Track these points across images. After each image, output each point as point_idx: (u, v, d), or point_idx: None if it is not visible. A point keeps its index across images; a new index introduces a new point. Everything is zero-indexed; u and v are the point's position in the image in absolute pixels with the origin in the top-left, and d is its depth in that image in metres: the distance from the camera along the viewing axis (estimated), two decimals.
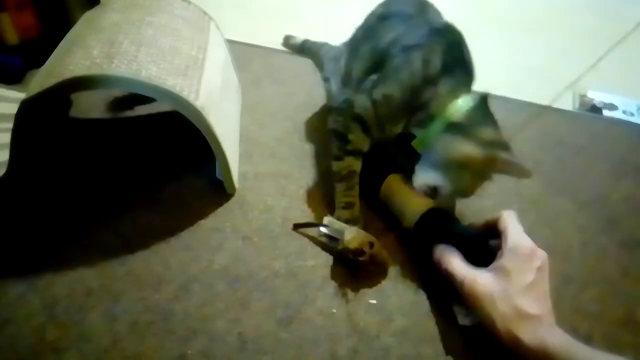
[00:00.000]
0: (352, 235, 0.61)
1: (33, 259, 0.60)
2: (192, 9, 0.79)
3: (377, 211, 0.69)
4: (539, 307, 0.51)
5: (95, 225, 0.64)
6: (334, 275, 0.61)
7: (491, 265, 0.55)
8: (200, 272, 0.60)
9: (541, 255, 0.55)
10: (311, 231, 0.66)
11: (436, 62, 0.62)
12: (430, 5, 0.75)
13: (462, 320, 0.58)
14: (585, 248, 0.67)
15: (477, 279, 0.54)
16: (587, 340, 0.57)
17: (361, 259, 0.59)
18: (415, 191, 0.64)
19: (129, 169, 0.73)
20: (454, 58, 0.63)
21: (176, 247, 0.63)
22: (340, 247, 0.62)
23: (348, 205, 0.66)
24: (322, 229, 0.64)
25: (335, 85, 0.80)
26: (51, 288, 0.57)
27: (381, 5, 0.77)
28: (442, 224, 0.62)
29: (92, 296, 0.56)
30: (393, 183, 0.67)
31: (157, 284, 0.58)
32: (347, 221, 0.64)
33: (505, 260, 0.54)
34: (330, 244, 0.64)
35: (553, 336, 0.49)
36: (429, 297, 0.60)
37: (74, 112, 0.82)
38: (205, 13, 0.80)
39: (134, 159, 0.75)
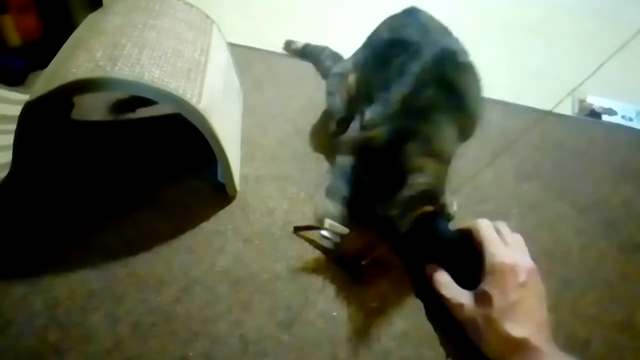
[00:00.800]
0: (352, 239, 0.61)
1: (35, 260, 0.60)
2: (195, 12, 0.80)
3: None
4: (525, 327, 0.50)
5: (97, 227, 0.64)
6: (335, 278, 0.61)
7: (475, 290, 0.55)
8: (201, 274, 0.60)
9: (524, 268, 0.53)
10: (312, 234, 0.66)
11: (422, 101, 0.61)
12: (436, 26, 0.73)
13: None
14: (585, 252, 0.68)
15: (463, 307, 0.54)
16: (586, 344, 0.57)
17: (362, 262, 0.60)
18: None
19: (131, 171, 0.73)
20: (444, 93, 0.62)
21: (178, 249, 0.63)
22: (341, 250, 0.62)
23: None
24: (323, 232, 0.65)
25: (340, 100, 0.80)
26: (53, 289, 0.57)
27: (388, 28, 0.75)
28: (433, 230, 0.61)
29: (94, 298, 0.56)
30: None
31: (159, 286, 0.58)
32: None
33: (485, 284, 0.53)
34: (331, 247, 0.64)
35: None
36: (423, 301, 0.60)
37: (76, 114, 0.82)
38: (207, 16, 0.81)
39: (136, 161, 0.75)
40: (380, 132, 0.61)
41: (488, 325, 0.51)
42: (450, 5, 1.34)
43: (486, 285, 0.53)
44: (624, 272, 0.66)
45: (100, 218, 0.65)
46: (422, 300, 0.60)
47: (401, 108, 0.63)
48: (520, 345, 0.49)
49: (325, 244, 0.65)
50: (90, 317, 0.54)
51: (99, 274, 0.59)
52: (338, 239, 0.63)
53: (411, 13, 0.74)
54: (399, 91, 0.64)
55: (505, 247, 0.56)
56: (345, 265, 0.62)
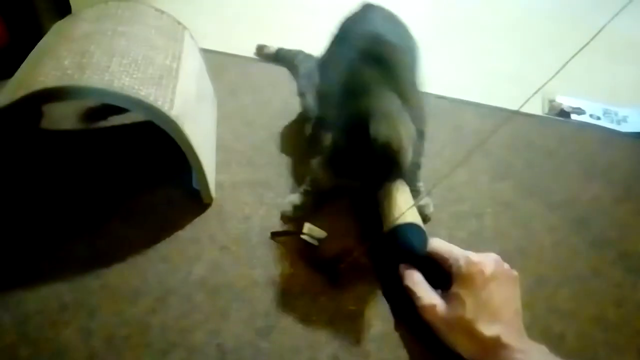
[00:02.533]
0: (330, 243, 0.61)
1: (3, 274, 0.58)
2: (166, 18, 0.79)
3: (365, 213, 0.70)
4: (495, 325, 0.50)
5: (69, 238, 0.63)
6: (313, 283, 0.61)
7: (446, 293, 0.55)
8: (177, 283, 0.60)
9: (490, 260, 0.54)
10: (290, 239, 0.66)
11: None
12: (385, 17, 0.74)
13: None
14: (557, 248, 0.69)
15: (437, 308, 0.54)
16: (561, 338, 0.58)
17: (340, 266, 0.60)
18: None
19: (103, 180, 0.72)
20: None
21: (153, 259, 0.62)
22: (318, 255, 0.62)
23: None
24: (302, 237, 0.64)
25: (312, 100, 0.81)
26: (22, 305, 0.55)
27: (341, 25, 0.76)
28: (410, 241, 0.60)
29: (66, 311, 0.55)
30: (394, 187, 0.66)
31: (134, 297, 0.57)
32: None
33: (455, 286, 0.54)
34: (309, 252, 0.64)
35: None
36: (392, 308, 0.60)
37: (46, 124, 0.81)
38: (179, 23, 0.80)
39: (108, 170, 0.74)
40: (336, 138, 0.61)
41: (461, 327, 0.51)
42: (421, 10, 1.36)
43: (457, 288, 0.54)
44: (596, 268, 0.67)
45: (71, 229, 0.64)
46: (390, 304, 0.60)
47: (344, 93, 0.63)
48: (492, 344, 0.50)
49: (303, 248, 0.64)
50: (63, 331, 0.53)
51: (70, 286, 0.57)
52: (316, 243, 0.63)
53: (364, 8, 0.75)
54: (337, 79, 0.65)
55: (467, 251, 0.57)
56: (323, 269, 0.62)
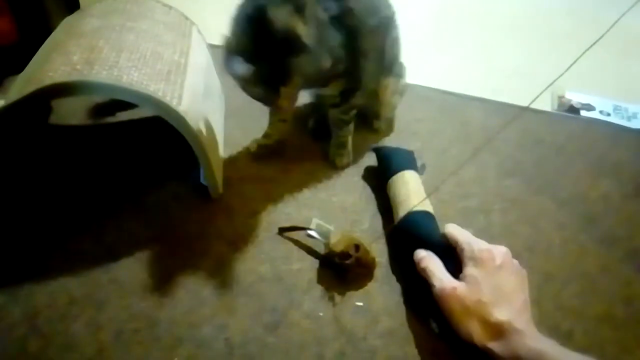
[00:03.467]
0: (337, 239, 0.61)
1: (13, 268, 0.58)
2: (174, 14, 0.79)
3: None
4: (508, 309, 0.51)
5: (78, 233, 0.63)
6: (320, 279, 0.61)
7: (461, 275, 0.56)
8: (185, 278, 0.60)
9: (499, 252, 0.56)
10: (297, 235, 0.66)
11: None
12: None
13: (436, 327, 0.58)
14: (566, 245, 0.69)
15: (457, 290, 0.54)
16: (569, 336, 0.58)
17: (347, 262, 0.60)
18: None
19: (112, 176, 0.72)
20: None
21: (160, 254, 0.62)
22: (326, 250, 0.62)
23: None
24: (309, 232, 0.64)
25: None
26: (32, 298, 0.56)
27: None
28: (423, 229, 0.62)
29: (75, 305, 0.55)
30: (401, 179, 0.69)
31: (142, 292, 0.58)
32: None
33: (470, 268, 0.55)
34: (316, 248, 0.64)
35: (524, 346, 0.49)
36: (406, 301, 0.60)
37: (55, 119, 0.81)
38: (186, 18, 0.80)
39: (116, 165, 0.74)
40: None
41: (477, 310, 0.52)
42: (429, 8, 1.35)
43: (472, 270, 0.54)
44: (604, 265, 0.67)
45: (80, 224, 0.64)
46: (407, 299, 0.60)
47: None
48: (503, 328, 0.50)
49: (311, 244, 0.65)
50: (72, 325, 0.54)
51: (79, 281, 0.58)
52: (324, 239, 0.63)
53: None
54: None
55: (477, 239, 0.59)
56: (330, 266, 0.62)
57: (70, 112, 0.82)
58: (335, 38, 0.65)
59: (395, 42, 0.77)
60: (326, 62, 0.65)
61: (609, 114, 0.97)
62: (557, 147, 0.86)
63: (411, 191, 0.67)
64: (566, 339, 0.58)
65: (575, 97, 1.00)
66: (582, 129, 0.91)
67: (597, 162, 0.83)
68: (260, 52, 0.59)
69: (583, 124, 0.93)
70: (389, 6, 0.74)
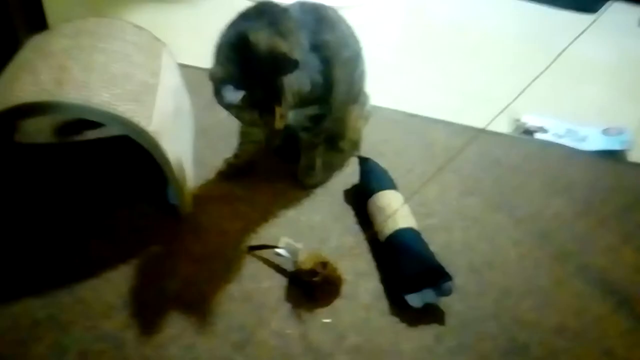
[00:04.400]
0: (305, 257, 0.63)
1: None
2: (145, 35, 0.80)
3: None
4: None
5: (41, 253, 0.62)
6: (288, 297, 0.62)
7: None
8: (152, 298, 0.60)
9: None
10: (266, 253, 0.67)
11: None
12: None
13: (412, 302, 0.61)
14: (522, 261, 0.72)
15: None
16: (526, 348, 0.61)
17: (315, 279, 0.61)
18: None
19: (78, 194, 0.72)
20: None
21: (127, 274, 0.62)
22: (294, 268, 0.63)
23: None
24: (278, 250, 0.66)
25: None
26: None
27: None
28: (414, 243, 0.66)
29: (39, 327, 0.54)
30: (382, 198, 0.72)
31: (108, 312, 0.57)
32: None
33: None
34: (285, 266, 0.65)
35: None
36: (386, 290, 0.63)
37: (20, 137, 0.80)
38: (157, 39, 0.81)
39: (83, 184, 0.74)
40: None
41: None
42: (394, 33, 1.40)
43: None
44: (558, 279, 0.70)
45: (44, 244, 0.64)
46: (375, 315, 0.62)
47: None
48: None
49: (279, 262, 0.66)
50: (35, 347, 0.53)
51: (43, 302, 0.57)
52: (292, 257, 0.65)
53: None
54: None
55: None
56: (298, 284, 0.63)
57: (37, 130, 0.81)
58: (314, 65, 0.69)
59: (362, 74, 0.82)
60: (306, 86, 0.68)
61: (561, 136, 1.02)
62: (513, 168, 0.90)
63: (402, 209, 0.70)
64: (523, 351, 0.60)
65: (531, 120, 1.05)
66: (537, 151, 0.96)
67: (551, 182, 0.88)
68: (249, 76, 0.61)
69: (538, 145, 0.98)
70: (357, 42, 0.80)
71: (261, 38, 0.62)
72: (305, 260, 0.62)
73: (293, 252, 0.65)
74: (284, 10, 0.68)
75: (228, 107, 0.64)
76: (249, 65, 0.61)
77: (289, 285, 0.64)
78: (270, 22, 0.65)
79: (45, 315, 0.56)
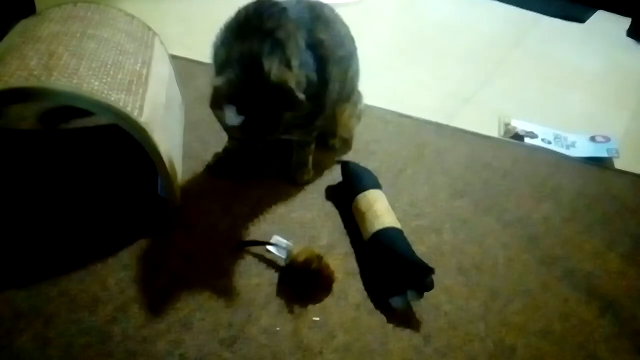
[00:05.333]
0: (299, 251, 0.62)
1: None
2: (137, 23, 0.78)
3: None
4: None
5: (25, 243, 0.61)
6: (278, 294, 0.62)
7: None
8: (139, 292, 0.59)
9: None
10: (255, 249, 0.66)
11: None
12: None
13: (396, 305, 0.61)
14: (510, 264, 0.73)
15: None
16: (512, 350, 0.61)
17: (312, 266, 0.61)
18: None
19: (64, 184, 0.70)
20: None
21: (114, 267, 0.61)
22: (287, 261, 0.63)
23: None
24: (269, 247, 0.65)
25: None
26: None
27: None
28: (393, 243, 0.66)
29: (22, 319, 0.53)
30: (365, 199, 0.72)
31: (94, 306, 0.56)
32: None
33: None
34: (275, 263, 0.65)
35: None
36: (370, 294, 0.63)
37: (3, 123, 0.78)
38: (149, 28, 0.80)
39: (69, 174, 0.72)
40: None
41: None
42: (388, 33, 1.41)
43: None
44: (544, 283, 0.71)
45: (28, 234, 0.62)
46: (364, 314, 0.62)
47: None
48: None
49: (271, 257, 0.65)
50: (18, 339, 0.51)
51: (27, 293, 0.55)
52: (284, 254, 0.64)
53: None
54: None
55: None
56: (290, 280, 0.63)
57: (20, 116, 0.79)
58: (310, 64, 0.69)
59: (356, 73, 0.83)
60: (302, 87, 0.67)
61: (550, 142, 1.04)
62: (503, 172, 0.91)
63: (383, 208, 0.70)
64: (510, 353, 0.61)
65: (521, 125, 1.06)
66: (526, 156, 0.97)
67: (539, 187, 0.89)
68: (253, 103, 0.61)
69: (527, 150, 0.99)
70: (352, 42, 0.80)
71: (274, 66, 0.62)
72: (300, 253, 0.62)
73: (284, 249, 0.64)
74: (282, 10, 0.68)
75: (226, 126, 0.64)
76: (255, 91, 0.61)
77: (280, 282, 0.63)
78: (275, 42, 0.64)
79: (28, 307, 0.54)
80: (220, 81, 0.61)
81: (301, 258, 0.61)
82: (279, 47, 0.63)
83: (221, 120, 0.65)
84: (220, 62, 0.66)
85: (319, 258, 0.61)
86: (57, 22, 0.69)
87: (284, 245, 0.65)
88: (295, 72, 0.64)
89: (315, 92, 0.71)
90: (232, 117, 0.60)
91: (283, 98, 0.62)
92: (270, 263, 0.65)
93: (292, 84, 0.62)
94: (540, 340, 0.63)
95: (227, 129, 0.65)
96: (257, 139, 0.65)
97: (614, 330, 0.65)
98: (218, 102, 0.62)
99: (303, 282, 0.62)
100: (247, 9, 0.68)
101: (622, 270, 0.75)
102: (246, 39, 0.64)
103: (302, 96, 0.62)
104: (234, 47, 0.64)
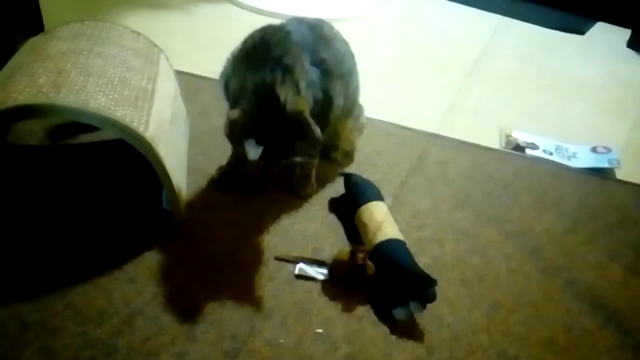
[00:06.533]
0: (339, 250, 0.66)
1: None
2: (142, 40, 0.80)
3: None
4: None
5: (32, 256, 0.61)
6: (281, 306, 0.62)
7: None
8: (144, 304, 0.59)
9: None
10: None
11: None
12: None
13: (399, 316, 0.62)
14: (512, 275, 0.73)
15: None
16: None
17: (360, 255, 0.63)
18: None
19: (70, 198, 0.71)
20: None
21: (119, 280, 0.61)
22: (330, 262, 0.66)
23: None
24: (302, 265, 0.67)
25: None
26: None
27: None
28: (395, 254, 0.66)
29: (29, 332, 0.54)
30: (368, 210, 0.72)
31: (99, 318, 0.57)
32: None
33: None
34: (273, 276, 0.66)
35: None
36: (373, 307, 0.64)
37: (11, 138, 0.79)
38: (154, 45, 0.81)
39: (75, 188, 0.73)
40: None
41: None
42: (389, 46, 1.42)
43: None
44: (547, 294, 0.71)
45: (35, 247, 0.63)
46: (367, 325, 0.62)
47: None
48: None
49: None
50: (24, 352, 0.52)
51: (33, 306, 0.56)
52: (319, 268, 0.67)
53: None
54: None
55: None
56: (336, 279, 0.65)
57: (29, 132, 0.80)
58: (315, 83, 0.71)
59: (356, 88, 0.84)
60: (309, 106, 0.69)
61: (551, 153, 1.05)
62: (504, 183, 0.92)
63: (386, 220, 0.71)
64: None
65: (522, 136, 1.07)
66: (528, 166, 0.98)
67: (541, 197, 0.90)
68: (270, 132, 0.63)
69: (528, 161, 1.00)
70: (352, 58, 0.82)
71: (289, 98, 0.64)
72: (340, 251, 0.65)
73: (320, 261, 0.67)
74: (286, 34, 0.70)
75: (244, 156, 0.64)
76: (271, 121, 0.64)
77: (282, 294, 0.64)
78: (284, 68, 0.66)
79: (35, 319, 0.55)
80: (236, 113, 0.63)
81: (343, 255, 0.64)
82: (289, 73, 0.66)
83: (238, 153, 0.68)
84: (234, 92, 0.68)
85: (356, 252, 0.64)
86: (65, 40, 0.71)
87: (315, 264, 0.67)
88: (302, 95, 0.67)
89: (320, 110, 0.72)
90: (252, 151, 0.61)
91: (298, 127, 0.64)
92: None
93: (307, 114, 0.64)
94: (542, 351, 0.63)
95: (246, 160, 0.66)
96: (273, 164, 0.67)
97: (617, 341, 0.65)
98: (235, 134, 0.64)
99: (355, 276, 0.64)
100: (252, 37, 0.71)
101: (624, 280, 0.75)
102: (257, 69, 0.66)
103: (317, 130, 0.65)
104: (247, 77, 0.66)
